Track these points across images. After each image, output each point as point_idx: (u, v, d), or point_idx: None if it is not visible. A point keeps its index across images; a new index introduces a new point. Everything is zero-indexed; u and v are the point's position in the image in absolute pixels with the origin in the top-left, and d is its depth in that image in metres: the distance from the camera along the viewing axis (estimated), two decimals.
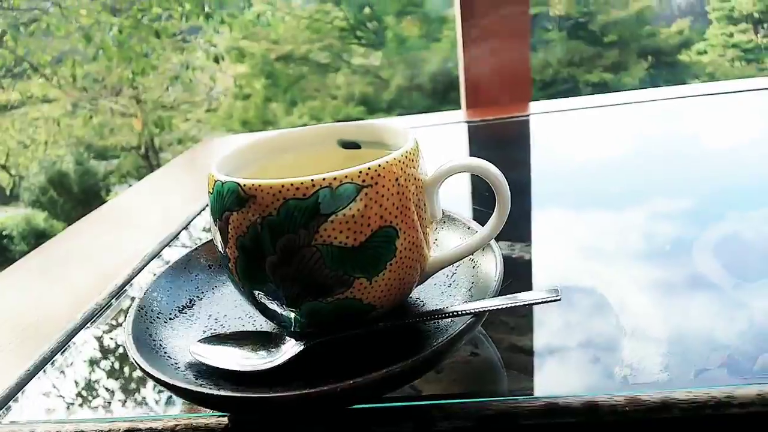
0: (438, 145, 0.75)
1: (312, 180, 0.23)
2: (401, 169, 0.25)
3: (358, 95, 5.89)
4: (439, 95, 5.90)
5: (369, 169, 0.24)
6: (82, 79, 5.31)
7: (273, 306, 0.26)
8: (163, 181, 0.90)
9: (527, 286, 0.35)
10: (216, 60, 3.48)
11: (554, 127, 0.76)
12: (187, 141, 6.19)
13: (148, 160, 6.20)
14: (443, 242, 0.33)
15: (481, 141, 0.74)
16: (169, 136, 5.99)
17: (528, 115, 0.83)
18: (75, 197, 5.87)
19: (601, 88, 5.49)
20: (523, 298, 0.26)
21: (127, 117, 5.91)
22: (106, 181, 6.46)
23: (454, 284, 0.31)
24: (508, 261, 0.34)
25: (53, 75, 4.79)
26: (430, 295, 0.31)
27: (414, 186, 0.26)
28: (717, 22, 8.53)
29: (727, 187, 0.47)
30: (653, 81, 5.68)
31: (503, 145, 0.71)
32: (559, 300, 0.26)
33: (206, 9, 3.09)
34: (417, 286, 0.29)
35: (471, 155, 0.66)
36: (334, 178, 0.24)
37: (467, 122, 0.83)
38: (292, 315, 0.27)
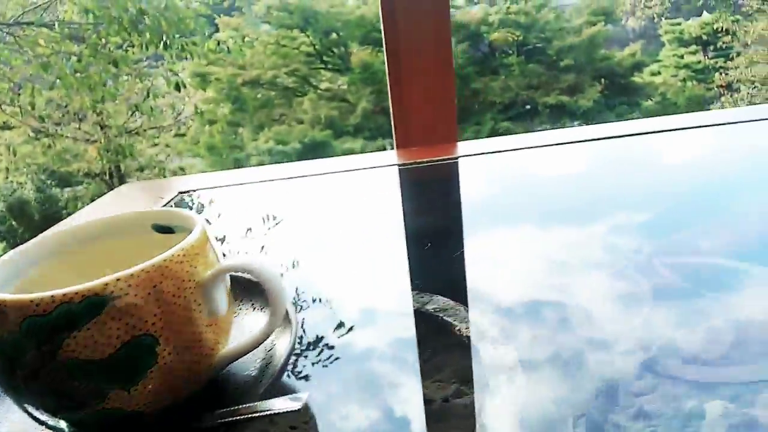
0: (370, 189, 0.72)
1: (52, 296, 0.23)
2: (162, 273, 0.25)
3: (324, 119, 5.96)
4: None
5: (118, 280, 0.24)
6: (46, 106, 5.25)
7: (40, 416, 0.27)
8: None
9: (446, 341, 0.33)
10: (177, 87, 3.51)
11: (482, 169, 0.76)
12: (153, 166, 6.14)
13: (112, 186, 6.12)
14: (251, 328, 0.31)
15: (411, 184, 0.74)
16: (135, 162, 5.93)
17: (457, 158, 0.83)
18: (36, 225, 5.73)
19: (559, 109, 5.70)
20: (264, 407, 0.26)
21: (91, 143, 5.84)
22: (69, 208, 6.34)
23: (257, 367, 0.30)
24: (429, 317, 0.34)
25: (12, 103, 4.73)
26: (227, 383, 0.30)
27: (180, 288, 0.25)
28: (669, 44, 8.97)
29: (647, 236, 0.45)
30: (607, 103, 5.93)
31: (433, 188, 0.71)
32: (299, 411, 0.25)
33: (164, 39, 3.12)
34: (208, 380, 0.28)
35: (403, 200, 0.68)
36: (76, 293, 0.23)
37: (398, 165, 0.82)
38: (62, 423, 0.27)
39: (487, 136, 6.17)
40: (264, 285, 0.27)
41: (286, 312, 0.30)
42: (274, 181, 0.76)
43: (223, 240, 0.54)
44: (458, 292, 0.38)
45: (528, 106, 5.85)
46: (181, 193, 0.69)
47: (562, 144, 0.76)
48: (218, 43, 3.63)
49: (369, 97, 6.14)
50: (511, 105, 5.85)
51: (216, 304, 0.27)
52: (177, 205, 0.65)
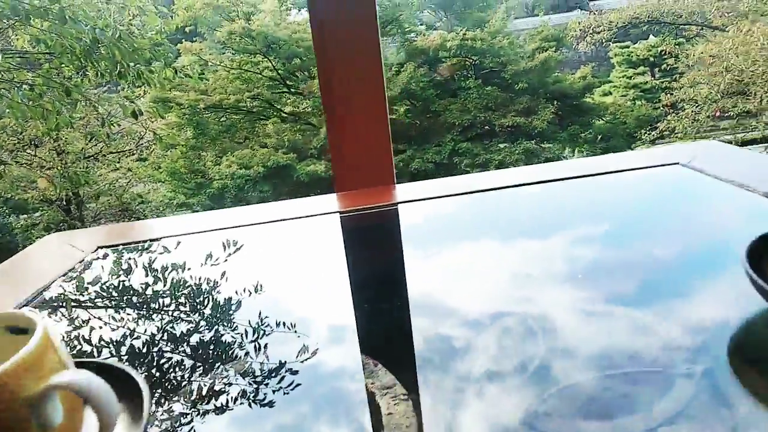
0: (310, 237, 0.70)
1: None
2: None
3: (287, 142, 6.01)
4: None
5: None
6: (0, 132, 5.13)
7: None
8: None
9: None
10: (134, 115, 3.50)
11: (421, 215, 0.76)
12: (110, 192, 6.03)
13: (70, 213, 5.97)
14: None
15: (351, 232, 0.72)
16: (92, 188, 5.82)
17: (396, 204, 0.82)
18: None
19: (515, 130, 5.92)
20: None
21: (47, 169, 5.72)
22: (26, 234, 6.15)
23: None
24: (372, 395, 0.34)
25: None
26: None
27: (6, 405, 0.26)
28: (618, 66, 9.45)
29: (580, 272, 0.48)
30: (561, 123, 6.19)
31: (372, 236, 0.70)
32: None
33: (119, 68, 3.12)
34: None
35: (345, 248, 0.67)
36: None
37: (339, 213, 0.79)
38: None
39: (449, 156, 6.33)
40: (91, 402, 0.27)
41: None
42: (209, 232, 0.73)
43: (131, 300, 0.54)
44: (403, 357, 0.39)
45: (486, 127, 6.04)
46: (100, 247, 0.71)
47: (495, 189, 0.78)
48: (175, 71, 3.64)
49: None
50: (470, 126, 6.03)
51: (47, 418, 0.27)
52: (91, 262, 0.67)
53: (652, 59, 9.02)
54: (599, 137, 7.03)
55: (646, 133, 7.01)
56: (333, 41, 1.00)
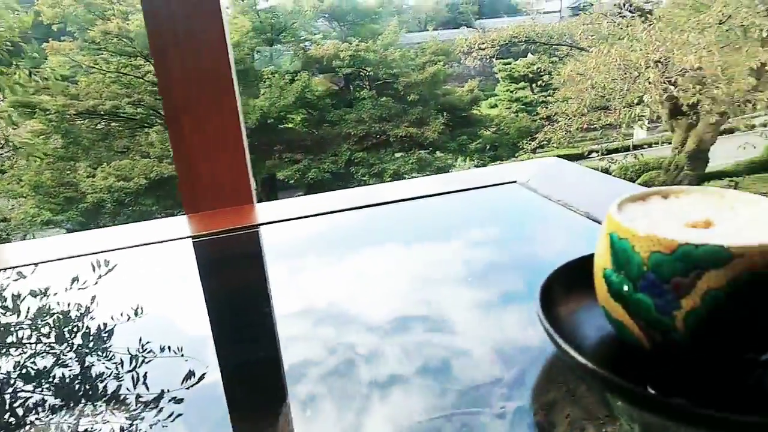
0: (164, 265, 0.65)
1: None
2: None
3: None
4: (255, 149, 5.91)
5: None
6: None
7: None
8: None
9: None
10: None
11: (282, 236, 0.73)
12: None
13: None
14: None
15: (209, 258, 0.68)
16: None
17: (257, 226, 0.77)
18: None
19: (408, 140, 6.11)
20: None
21: None
22: None
23: None
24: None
25: None
26: None
27: None
28: (503, 81, 10.20)
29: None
30: (451, 134, 6.51)
31: (232, 262, 0.67)
32: None
33: None
34: None
35: (200, 275, 0.61)
36: None
37: (192, 237, 0.74)
38: None
39: (345, 166, 6.35)
40: None
41: None
42: (44, 264, 0.66)
43: None
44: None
45: (381, 137, 6.15)
46: None
47: (359, 208, 0.78)
48: (30, 74, 3.23)
49: None
50: (366, 136, 6.10)
51: None
52: None
53: (531, 75, 9.85)
54: (487, 147, 7.49)
55: (527, 143, 7.60)
56: (171, 41, 0.90)
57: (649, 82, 6.51)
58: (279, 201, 0.91)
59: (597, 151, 8.65)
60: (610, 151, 8.90)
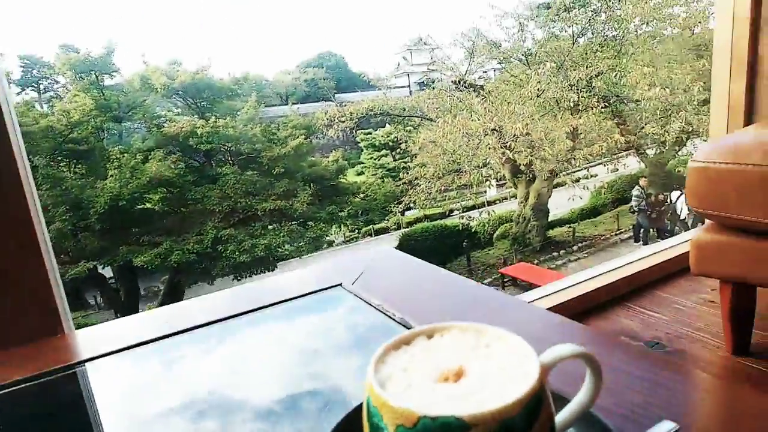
0: None
1: None
2: None
3: None
4: (106, 234, 5.36)
5: None
6: None
7: None
8: None
9: None
10: None
11: (114, 369, 0.64)
12: None
13: None
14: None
15: (28, 408, 0.57)
16: None
17: (83, 362, 0.64)
18: None
19: (278, 213, 6.05)
20: None
21: None
22: None
23: None
24: None
25: None
26: None
27: None
28: (366, 150, 10.80)
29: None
30: (321, 203, 6.61)
31: (59, 408, 0.56)
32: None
33: None
34: None
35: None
36: None
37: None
38: None
39: (212, 244, 6.03)
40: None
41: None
42: None
43: None
44: None
45: (248, 212, 6.00)
46: None
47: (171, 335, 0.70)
48: None
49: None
50: (231, 212, 5.91)
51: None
52: None
53: (390, 144, 10.60)
54: (359, 212, 7.72)
55: (395, 206, 8.01)
56: None
57: (490, 147, 7.41)
58: (95, 327, 0.78)
59: (457, 209, 9.45)
60: (467, 209, 9.77)
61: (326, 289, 0.77)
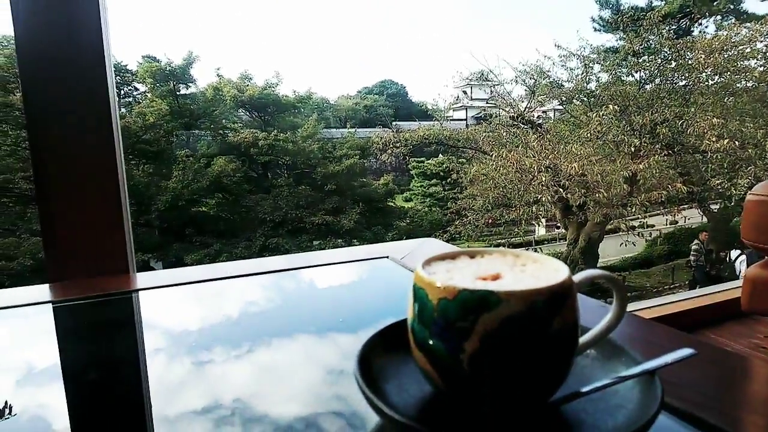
0: (21, 331, 0.60)
1: None
2: None
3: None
4: (163, 231, 5.64)
5: None
6: None
7: None
8: None
9: None
10: None
11: (161, 302, 0.72)
12: None
13: None
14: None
15: (80, 322, 0.64)
16: None
17: (131, 292, 0.75)
18: None
19: (325, 227, 6.19)
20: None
21: None
22: None
23: None
24: None
25: None
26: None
27: None
28: (416, 178, 10.88)
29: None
30: (367, 222, 6.71)
31: (108, 324, 0.63)
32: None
33: None
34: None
35: (61, 339, 0.55)
36: None
37: (54, 302, 0.69)
38: None
39: (259, 251, 6.23)
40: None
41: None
42: None
43: None
44: None
45: (297, 224, 6.17)
46: None
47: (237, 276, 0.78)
48: None
49: None
50: (281, 222, 6.09)
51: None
52: None
53: (441, 173, 10.64)
54: (404, 237, 7.76)
55: (439, 234, 7.98)
56: (50, 110, 0.86)
57: (542, 185, 7.28)
58: (156, 272, 0.86)
59: (503, 245, 9.27)
60: (514, 245, 9.58)
61: (374, 259, 0.83)
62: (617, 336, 0.38)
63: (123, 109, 8.53)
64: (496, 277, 0.33)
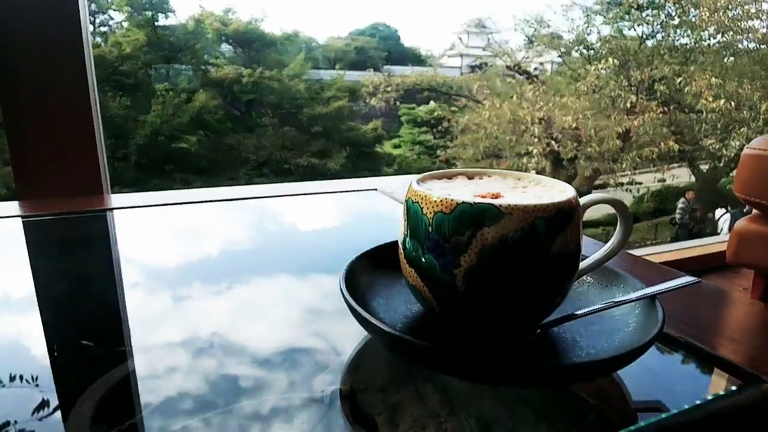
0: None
1: None
2: None
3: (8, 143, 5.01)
4: (142, 167, 5.48)
5: None
6: None
7: None
8: None
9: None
10: None
11: (134, 221, 0.68)
12: None
13: None
14: None
15: (49, 238, 0.61)
16: None
17: (105, 210, 0.72)
18: None
19: (311, 170, 6.05)
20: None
21: None
22: None
23: None
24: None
25: None
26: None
27: None
28: (406, 124, 10.65)
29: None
30: (354, 167, 6.59)
31: (77, 242, 0.60)
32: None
33: None
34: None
35: (31, 254, 0.52)
36: None
37: (23, 216, 0.66)
38: None
39: None
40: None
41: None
42: None
43: None
44: None
45: (282, 166, 6.04)
46: None
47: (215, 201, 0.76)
48: None
49: None
50: (265, 163, 5.95)
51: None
52: None
53: (432, 121, 10.43)
54: None
55: None
56: (16, 24, 0.83)
57: (535, 137, 7.17)
58: (133, 194, 0.81)
59: None
60: None
61: (363, 191, 0.83)
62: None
63: (98, 39, 8.07)
64: (496, 197, 0.32)
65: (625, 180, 8.31)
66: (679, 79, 7.51)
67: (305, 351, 0.35)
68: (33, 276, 0.48)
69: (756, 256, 1.04)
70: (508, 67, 8.13)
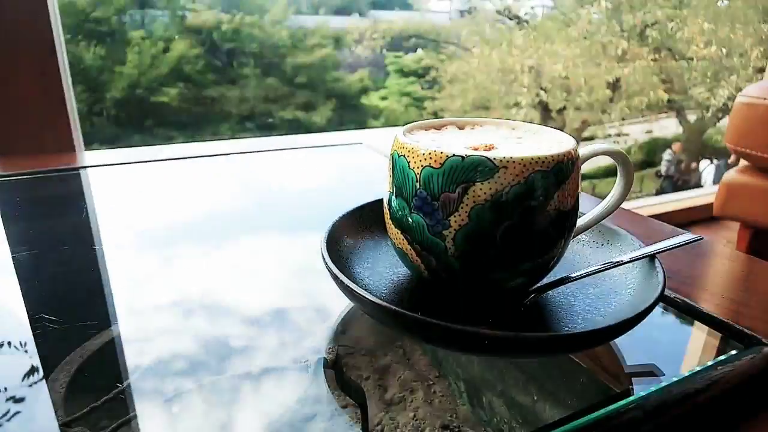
0: None
1: None
2: None
3: None
4: (121, 122, 5.33)
5: None
6: None
7: None
8: None
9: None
10: None
11: (111, 180, 0.65)
12: None
13: None
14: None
15: (22, 198, 0.58)
16: None
17: (77, 168, 0.69)
18: None
19: (295, 123, 5.92)
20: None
21: None
22: None
23: None
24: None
25: None
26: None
27: None
28: (393, 74, 10.38)
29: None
30: (340, 120, 6.45)
31: (53, 201, 0.58)
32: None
33: None
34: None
35: (5, 215, 0.50)
36: None
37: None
38: None
39: None
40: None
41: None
42: None
43: None
44: None
45: (267, 119, 5.89)
46: None
47: (192, 157, 0.73)
48: None
49: None
50: (249, 117, 5.79)
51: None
52: None
53: (420, 71, 10.17)
54: None
55: None
56: None
57: (524, 87, 7.04)
58: (108, 150, 0.79)
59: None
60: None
61: (348, 144, 0.82)
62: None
63: None
64: (489, 149, 0.30)
65: (613, 131, 8.28)
66: (671, 24, 7.34)
67: (290, 313, 0.35)
68: (9, 240, 0.46)
69: (743, 209, 1.04)
70: (498, 12, 7.86)
